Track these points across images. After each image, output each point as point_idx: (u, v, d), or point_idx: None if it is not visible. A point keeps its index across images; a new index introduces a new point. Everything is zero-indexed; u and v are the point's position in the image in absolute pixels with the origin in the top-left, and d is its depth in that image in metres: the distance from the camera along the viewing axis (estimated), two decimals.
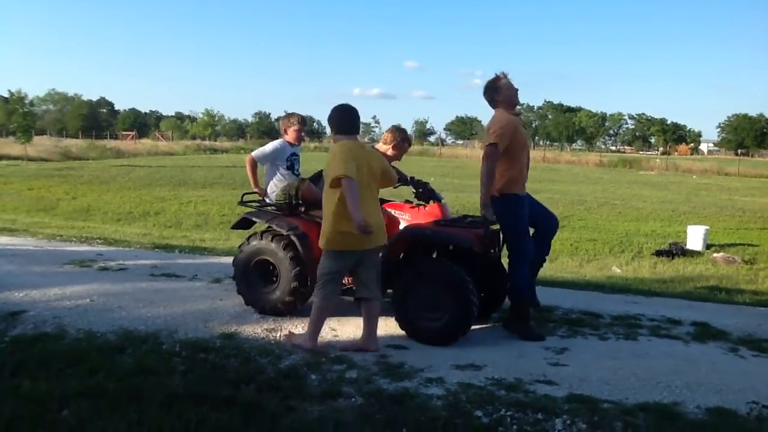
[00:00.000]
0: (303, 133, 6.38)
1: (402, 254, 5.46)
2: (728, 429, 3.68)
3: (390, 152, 5.72)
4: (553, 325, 5.80)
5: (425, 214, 5.52)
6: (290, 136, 6.27)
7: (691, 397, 4.16)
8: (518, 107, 5.66)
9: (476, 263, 5.31)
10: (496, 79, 5.45)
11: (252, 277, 5.80)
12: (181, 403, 3.74)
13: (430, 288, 5.12)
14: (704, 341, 5.47)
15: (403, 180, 5.66)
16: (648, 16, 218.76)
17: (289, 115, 6.41)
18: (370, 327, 4.93)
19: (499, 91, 5.41)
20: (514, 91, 5.45)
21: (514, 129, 5.31)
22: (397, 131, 5.81)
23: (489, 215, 5.18)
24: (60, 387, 3.90)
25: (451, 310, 5.04)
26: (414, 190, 5.74)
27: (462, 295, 5.00)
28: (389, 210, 5.56)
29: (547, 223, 5.65)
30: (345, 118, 4.83)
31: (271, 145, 6.25)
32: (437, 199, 5.62)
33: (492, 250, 5.52)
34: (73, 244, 9.63)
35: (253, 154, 6.27)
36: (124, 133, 76.83)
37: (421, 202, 5.73)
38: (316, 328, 4.90)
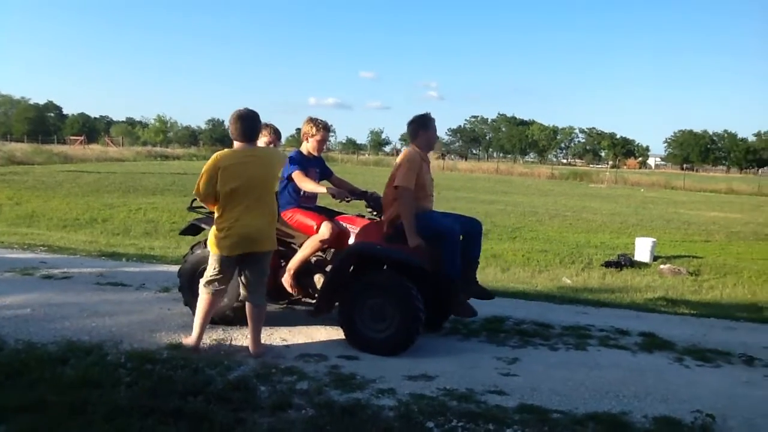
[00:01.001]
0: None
1: (351, 268, 5.40)
2: None
3: (309, 148, 5.69)
4: (504, 335, 5.83)
5: (377, 229, 5.48)
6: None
7: (638, 406, 4.23)
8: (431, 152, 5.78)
9: (424, 274, 5.28)
10: (428, 117, 5.52)
11: (198, 287, 5.65)
12: (126, 417, 3.63)
13: (378, 299, 5.11)
14: (651, 351, 5.59)
15: (356, 194, 5.62)
16: (598, 32, 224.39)
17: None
18: (255, 332, 4.94)
19: (426, 130, 5.49)
20: (435, 138, 5.61)
21: (420, 167, 5.39)
22: (308, 121, 5.70)
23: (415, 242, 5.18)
24: None
25: (398, 321, 5.03)
26: (367, 204, 5.70)
27: (409, 306, 4.99)
28: (341, 223, 5.50)
29: (470, 225, 5.62)
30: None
31: None
32: None
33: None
34: (15, 251, 9.27)
35: None
36: (72, 138, 74.57)
37: (373, 216, 5.69)
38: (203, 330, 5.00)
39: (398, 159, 5.56)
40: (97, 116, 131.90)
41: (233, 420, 3.74)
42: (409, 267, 5.12)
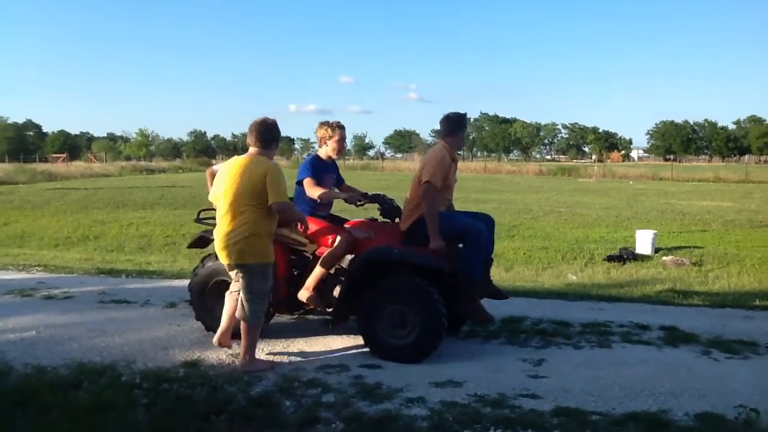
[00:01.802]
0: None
1: (368, 274, 5.23)
2: None
3: (329, 151, 5.56)
4: (525, 336, 5.71)
5: (392, 232, 5.33)
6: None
7: (677, 403, 4.12)
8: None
9: (442, 276, 5.14)
10: (464, 118, 5.46)
11: (210, 301, 5.50)
12: None
13: (397, 305, 4.96)
14: (676, 345, 5.48)
15: (368, 197, 5.47)
16: (574, 25, 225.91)
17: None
18: (243, 345, 4.76)
19: (459, 131, 5.39)
20: (463, 141, 5.54)
21: (449, 166, 5.29)
22: (320, 126, 5.59)
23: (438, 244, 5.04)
24: (8, 430, 3.55)
25: (420, 327, 4.89)
26: (379, 207, 5.55)
27: (430, 310, 4.85)
28: (355, 229, 5.33)
29: (483, 222, 5.48)
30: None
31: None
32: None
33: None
34: (11, 272, 9.04)
35: (214, 167, 5.95)
36: (54, 155, 73.85)
37: (386, 220, 5.54)
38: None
39: (426, 156, 5.40)
40: (78, 133, 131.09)
41: None
42: (428, 270, 4.97)
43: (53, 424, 3.68)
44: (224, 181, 4.62)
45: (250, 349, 4.72)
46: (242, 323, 4.69)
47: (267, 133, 4.71)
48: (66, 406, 3.93)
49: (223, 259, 4.68)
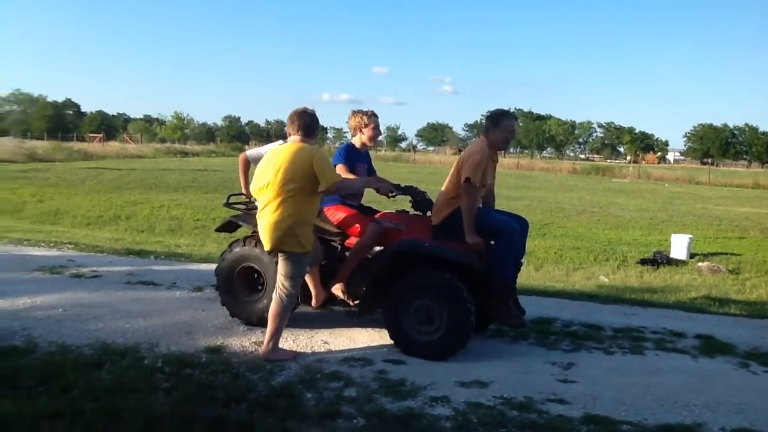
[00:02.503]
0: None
1: (397, 267, 5.12)
2: None
3: (365, 140, 5.50)
4: (554, 338, 5.56)
5: (422, 226, 5.21)
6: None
7: (712, 417, 3.95)
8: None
9: (471, 272, 5.00)
10: (504, 115, 5.19)
11: (236, 287, 5.46)
12: (166, 425, 3.44)
13: (425, 300, 4.84)
14: (712, 355, 5.28)
15: (400, 188, 5.36)
16: (614, 25, 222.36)
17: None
18: (268, 331, 4.75)
19: (497, 128, 5.14)
20: (508, 138, 5.21)
21: (487, 163, 5.09)
22: (353, 114, 5.53)
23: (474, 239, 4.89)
24: (30, 407, 3.53)
25: (447, 323, 4.77)
26: (411, 200, 5.43)
27: (459, 307, 4.73)
28: (385, 220, 5.23)
29: (516, 221, 5.31)
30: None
31: (267, 147, 5.79)
32: None
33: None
34: (42, 248, 9.14)
35: (248, 152, 5.89)
36: (91, 135, 74.95)
37: (418, 212, 5.42)
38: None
39: (466, 151, 5.24)
40: (115, 114, 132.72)
41: (280, 429, 3.55)
42: (458, 265, 4.84)
43: (74, 403, 3.64)
44: (270, 168, 4.58)
45: (275, 336, 4.67)
46: (272, 306, 4.66)
47: (309, 122, 4.71)
48: (87, 386, 3.90)
49: (267, 244, 4.65)
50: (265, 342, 4.68)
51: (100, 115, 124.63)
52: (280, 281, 4.67)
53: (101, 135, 70.31)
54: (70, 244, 9.63)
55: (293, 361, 4.62)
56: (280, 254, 4.65)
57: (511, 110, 5.21)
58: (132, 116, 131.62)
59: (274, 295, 4.71)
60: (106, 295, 6.22)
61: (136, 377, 4.10)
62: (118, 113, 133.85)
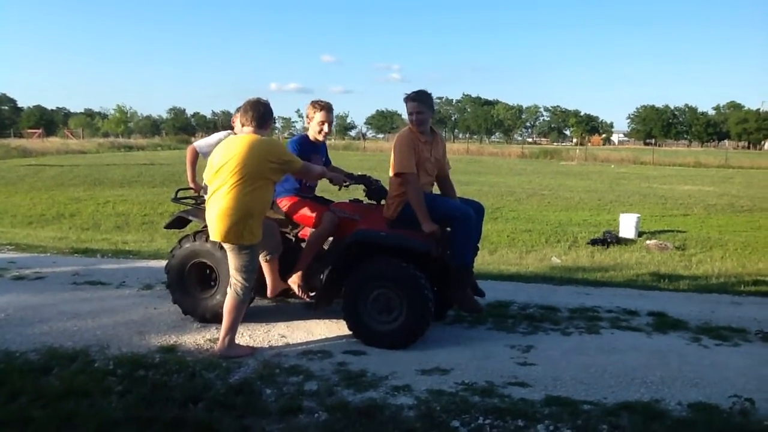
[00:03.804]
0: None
1: (354, 257, 5.05)
2: (716, 425, 3.52)
3: (311, 133, 5.35)
4: (512, 322, 5.58)
5: (378, 215, 5.14)
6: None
7: (669, 392, 4.02)
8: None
9: (428, 259, 4.96)
10: (413, 94, 5.01)
11: (188, 283, 5.31)
12: (120, 429, 3.35)
13: (384, 290, 4.79)
14: (665, 332, 5.39)
15: (354, 178, 5.27)
16: (557, 8, 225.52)
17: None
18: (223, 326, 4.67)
19: (410, 108, 4.98)
20: (411, 118, 5.02)
21: (415, 146, 4.95)
22: (309, 105, 5.33)
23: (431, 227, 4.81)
24: None
25: (406, 312, 4.73)
26: (364, 189, 5.35)
27: (418, 295, 4.70)
28: (341, 210, 5.14)
29: (473, 208, 5.28)
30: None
31: (215, 137, 5.61)
32: None
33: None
34: None
35: (196, 144, 5.72)
36: (29, 131, 72.45)
37: (372, 201, 5.34)
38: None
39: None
40: (54, 108, 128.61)
41: (239, 428, 3.47)
42: (416, 254, 4.80)
43: (22, 410, 3.51)
44: (223, 157, 4.45)
45: (231, 331, 4.56)
46: (227, 300, 4.55)
47: (263, 113, 4.60)
48: (36, 392, 3.75)
49: (214, 234, 4.52)
50: (221, 338, 4.57)
51: (39, 110, 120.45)
52: (233, 275, 4.56)
53: (40, 130, 67.99)
54: (10, 245, 9.26)
55: (250, 357, 4.51)
56: (228, 246, 4.52)
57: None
58: (72, 110, 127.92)
59: (228, 289, 4.60)
60: (51, 296, 5.99)
61: (87, 381, 3.95)
62: (58, 108, 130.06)
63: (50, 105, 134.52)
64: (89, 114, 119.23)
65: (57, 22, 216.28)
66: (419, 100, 4.94)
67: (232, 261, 4.54)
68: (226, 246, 4.53)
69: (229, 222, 4.40)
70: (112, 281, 6.71)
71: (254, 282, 4.67)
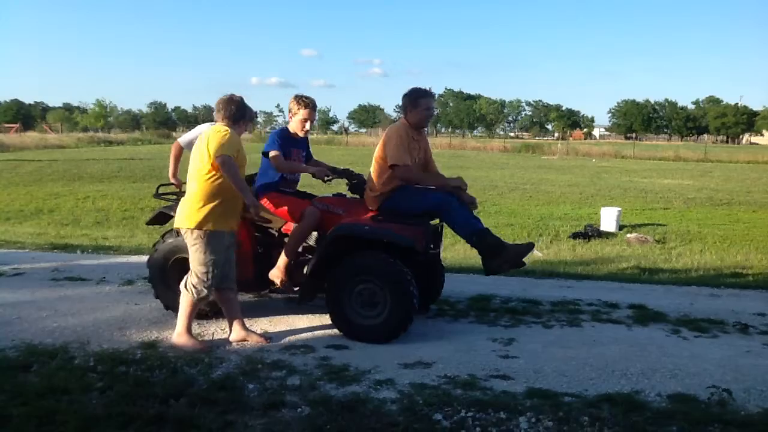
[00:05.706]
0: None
1: (338, 251, 5.04)
2: (694, 416, 3.57)
3: (295, 128, 5.29)
4: (494, 315, 5.62)
5: (361, 209, 5.13)
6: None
7: (649, 384, 4.06)
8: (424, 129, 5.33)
9: (412, 253, 4.96)
10: (420, 93, 5.02)
11: (170, 279, 5.27)
12: (102, 426, 3.32)
13: (367, 284, 4.80)
14: (646, 324, 5.45)
15: (337, 172, 5.25)
16: (540, 4, 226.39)
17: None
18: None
19: (415, 108, 5.01)
20: (428, 116, 5.08)
21: (409, 142, 4.99)
22: (292, 99, 5.29)
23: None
24: None
25: (390, 306, 4.74)
26: (347, 183, 5.34)
27: (402, 289, 4.70)
28: (323, 204, 5.12)
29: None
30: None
31: (197, 130, 5.56)
32: None
33: (432, 247, 5.22)
34: None
35: (180, 139, 5.68)
36: (6, 125, 71.50)
37: (355, 195, 5.33)
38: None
39: (382, 139, 5.08)
40: (32, 102, 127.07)
41: (222, 423, 3.45)
42: (400, 248, 4.80)
43: (1, 408, 3.47)
44: (193, 150, 4.58)
45: (183, 320, 4.57)
46: (181, 295, 4.57)
47: (234, 111, 4.58)
48: (15, 390, 3.72)
49: (176, 221, 4.57)
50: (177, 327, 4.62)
51: (16, 104, 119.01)
52: (191, 267, 4.53)
53: (18, 125, 67.12)
54: None
55: (202, 353, 4.46)
56: (187, 234, 4.49)
57: (429, 89, 5.06)
58: (51, 105, 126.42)
59: (182, 282, 4.59)
60: (30, 293, 5.94)
61: (67, 378, 3.92)
62: (35, 102, 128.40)
63: (28, 99, 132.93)
64: (68, 108, 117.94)
65: (34, 14, 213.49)
66: (435, 98, 4.99)
67: (191, 252, 4.51)
68: (184, 234, 4.52)
69: (187, 208, 4.47)
70: (93, 277, 6.66)
71: (213, 279, 4.54)
